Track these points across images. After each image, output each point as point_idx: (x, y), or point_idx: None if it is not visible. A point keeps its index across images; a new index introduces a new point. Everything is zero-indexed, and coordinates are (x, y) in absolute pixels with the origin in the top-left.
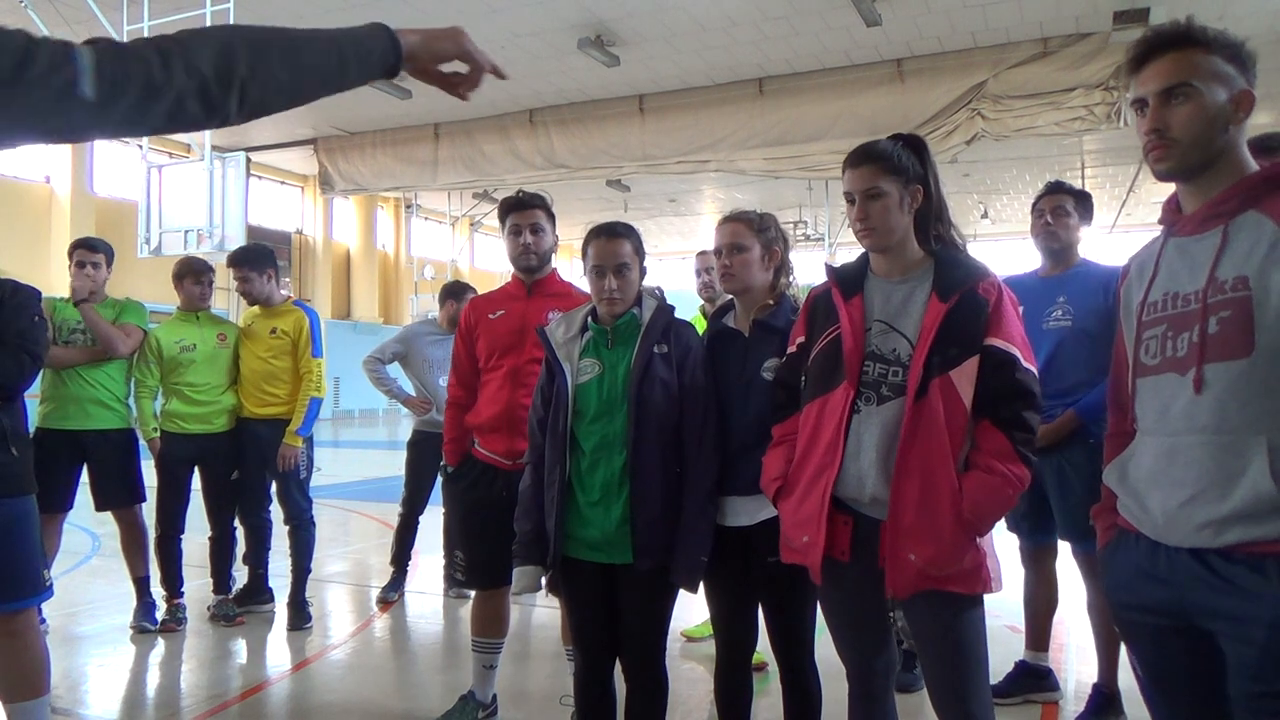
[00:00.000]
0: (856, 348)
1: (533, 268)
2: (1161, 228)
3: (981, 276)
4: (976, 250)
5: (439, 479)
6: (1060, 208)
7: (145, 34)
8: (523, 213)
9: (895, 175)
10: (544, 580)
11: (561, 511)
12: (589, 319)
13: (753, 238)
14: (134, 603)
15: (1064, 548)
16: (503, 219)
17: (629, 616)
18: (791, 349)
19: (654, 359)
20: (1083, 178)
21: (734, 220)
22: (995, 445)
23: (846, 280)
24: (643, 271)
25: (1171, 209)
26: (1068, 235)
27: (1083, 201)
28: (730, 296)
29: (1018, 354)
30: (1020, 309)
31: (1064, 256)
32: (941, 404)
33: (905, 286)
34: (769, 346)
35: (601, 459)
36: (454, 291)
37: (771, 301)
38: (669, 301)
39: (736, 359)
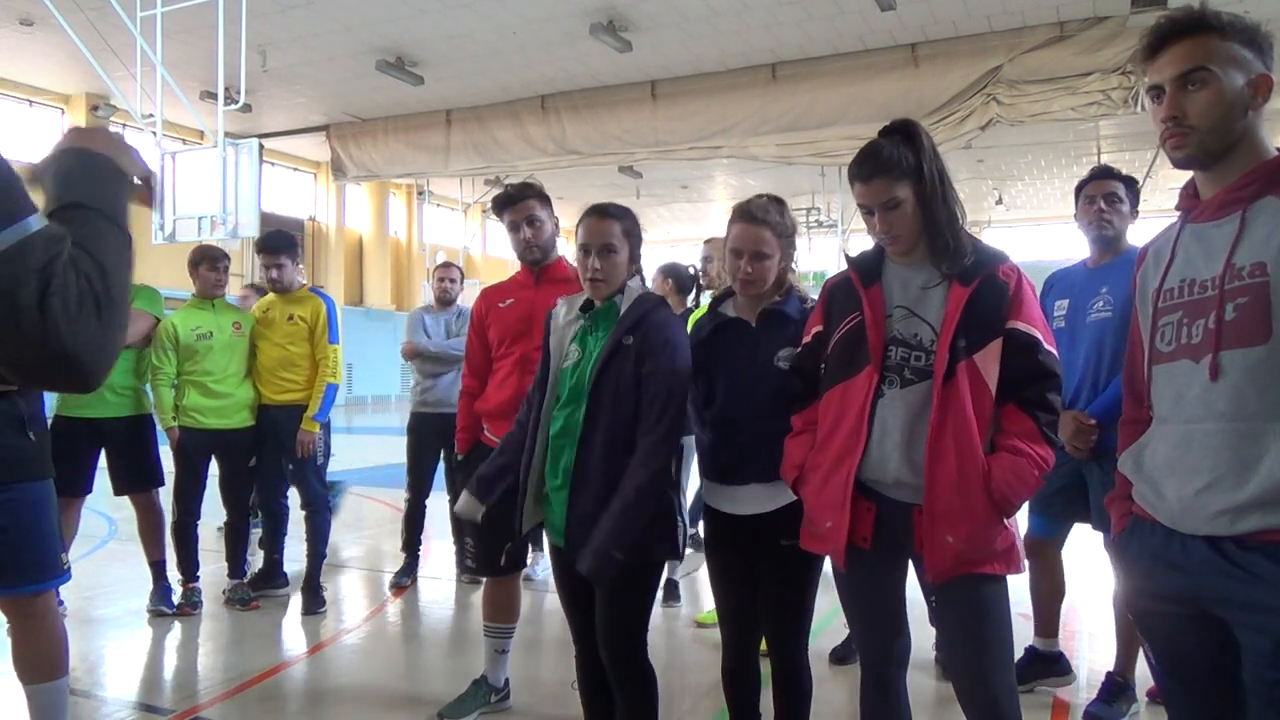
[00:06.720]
0: (879, 333)
1: (537, 260)
2: (1178, 213)
3: (999, 261)
4: (990, 237)
5: (440, 460)
6: (1113, 194)
7: (158, 20)
8: (515, 207)
9: (907, 179)
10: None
11: (523, 492)
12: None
13: (777, 245)
14: (150, 586)
15: (1077, 537)
16: (499, 216)
17: (599, 608)
18: (807, 338)
19: (618, 351)
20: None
21: (759, 224)
22: (1021, 427)
23: (865, 268)
24: (635, 257)
25: (1189, 195)
26: (1121, 223)
27: (1130, 187)
28: (729, 284)
29: (1040, 336)
30: (1066, 300)
31: (1114, 245)
32: (968, 387)
33: (924, 272)
34: (781, 335)
35: (563, 446)
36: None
37: (779, 296)
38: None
39: (747, 349)
